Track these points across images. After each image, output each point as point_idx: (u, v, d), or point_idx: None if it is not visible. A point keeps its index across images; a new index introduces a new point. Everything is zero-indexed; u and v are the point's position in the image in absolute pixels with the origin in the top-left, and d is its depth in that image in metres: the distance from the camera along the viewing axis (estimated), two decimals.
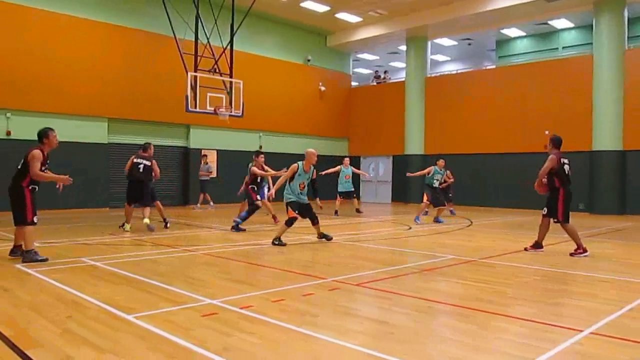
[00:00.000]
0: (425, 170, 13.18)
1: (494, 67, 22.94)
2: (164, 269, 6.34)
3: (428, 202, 12.91)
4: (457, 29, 21.04)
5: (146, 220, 10.26)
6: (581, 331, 3.80)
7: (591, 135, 16.98)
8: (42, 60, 14.88)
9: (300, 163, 8.58)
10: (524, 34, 23.08)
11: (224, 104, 14.94)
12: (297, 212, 8.53)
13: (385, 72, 25.20)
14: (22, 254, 6.74)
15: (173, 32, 14.50)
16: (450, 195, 15.33)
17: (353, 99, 24.38)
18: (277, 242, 8.36)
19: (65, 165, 13.40)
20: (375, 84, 24.82)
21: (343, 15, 20.36)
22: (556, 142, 7.85)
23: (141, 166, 10.36)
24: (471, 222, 13.42)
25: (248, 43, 19.36)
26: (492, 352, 3.37)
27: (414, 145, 21.59)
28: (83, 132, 15.73)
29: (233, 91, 15.08)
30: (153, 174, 10.49)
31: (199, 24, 14.81)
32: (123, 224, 10.61)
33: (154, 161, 10.51)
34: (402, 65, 25.91)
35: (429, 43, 22.44)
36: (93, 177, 15.71)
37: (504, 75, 20.19)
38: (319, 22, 21.25)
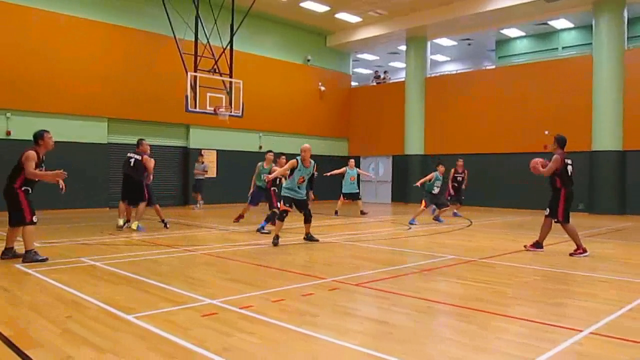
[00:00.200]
0: (428, 177, 13.06)
1: (494, 67, 22.95)
2: (164, 269, 6.34)
3: (424, 208, 12.82)
4: (457, 29, 21.04)
5: (134, 225, 10.22)
6: (581, 331, 3.80)
7: (591, 136, 16.99)
8: (42, 60, 14.88)
9: (298, 158, 8.59)
10: (523, 34, 23.09)
11: (223, 104, 14.94)
12: (288, 205, 8.52)
13: (385, 72, 25.20)
14: (13, 255, 6.74)
15: (173, 32, 14.50)
16: (462, 197, 15.16)
17: (353, 99, 24.38)
18: (275, 240, 8.38)
19: (65, 165, 13.22)
20: (375, 84, 24.82)
21: (343, 15, 20.36)
22: (561, 142, 7.78)
23: (132, 160, 10.35)
24: (471, 222, 13.42)
25: (248, 43, 19.37)
26: (492, 352, 3.37)
27: (414, 145, 21.59)
28: (83, 132, 15.73)
29: (233, 91, 15.08)
30: (146, 171, 10.35)
31: (199, 24, 14.81)
32: (123, 224, 10.62)
33: (144, 156, 10.35)
34: (402, 65, 25.92)
35: (429, 43, 22.44)
36: (93, 177, 15.71)
37: (504, 75, 20.20)
38: (319, 22, 21.25)
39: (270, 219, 10.36)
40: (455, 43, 24.67)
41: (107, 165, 16.22)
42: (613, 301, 4.82)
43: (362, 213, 15.09)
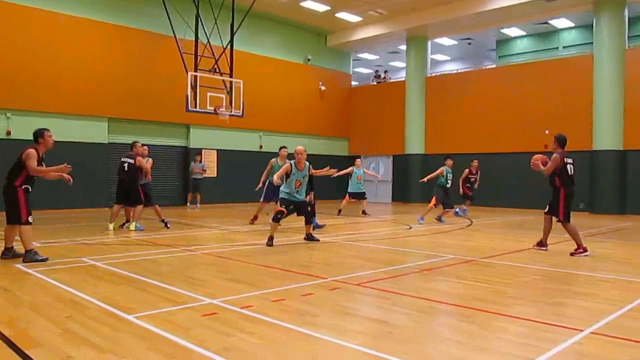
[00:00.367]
0: (437, 172, 13.05)
1: (494, 66, 22.93)
2: (164, 269, 6.34)
3: (434, 205, 12.81)
4: (457, 29, 21.04)
5: (132, 226, 10.18)
6: (581, 331, 3.79)
7: (591, 135, 16.98)
8: (42, 60, 14.88)
9: (292, 162, 8.51)
10: (524, 33, 23.08)
11: (224, 104, 14.94)
12: (284, 207, 8.46)
13: (385, 71, 25.19)
14: (14, 255, 6.74)
15: (173, 32, 14.50)
16: (473, 197, 14.98)
17: (353, 98, 24.38)
18: (269, 242, 8.29)
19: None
20: (375, 83, 24.82)
21: (343, 15, 20.36)
22: (561, 141, 7.78)
23: (125, 165, 10.33)
24: (471, 221, 13.41)
25: (248, 43, 19.36)
26: (492, 352, 3.37)
27: (414, 145, 21.59)
28: (83, 132, 15.73)
29: (233, 91, 15.09)
30: (142, 172, 10.31)
31: (199, 23, 14.82)
32: (123, 224, 10.62)
33: (138, 158, 10.31)
34: (402, 64, 25.92)
35: (429, 43, 22.43)
36: (93, 177, 15.71)
37: (504, 74, 20.19)
38: (319, 21, 21.25)
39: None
40: (455, 42, 24.67)
41: (107, 165, 16.21)
42: (613, 301, 4.81)
43: (364, 213, 15.09)
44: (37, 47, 14.78)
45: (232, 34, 15.57)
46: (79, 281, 5.44)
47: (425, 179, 13.72)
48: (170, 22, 14.48)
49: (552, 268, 6.63)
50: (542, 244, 8.12)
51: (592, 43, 17.85)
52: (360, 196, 15.23)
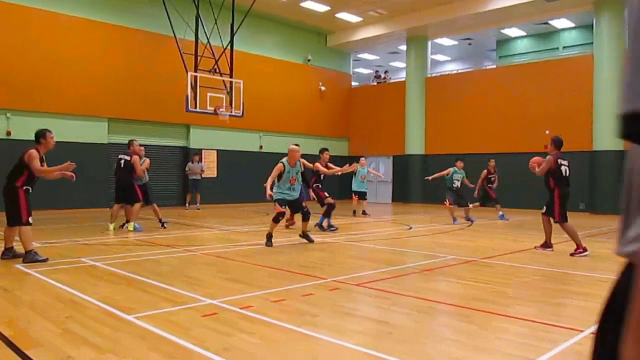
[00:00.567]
0: (444, 172, 13.05)
1: (494, 67, 22.93)
2: (164, 269, 6.34)
3: (451, 206, 12.82)
4: (457, 29, 21.03)
5: (130, 227, 10.14)
6: (581, 331, 3.79)
7: (591, 135, 16.97)
8: (42, 60, 14.88)
9: (284, 161, 8.50)
10: (524, 33, 23.07)
11: (224, 104, 14.94)
12: (284, 207, 8.49)
13: (385, 72, 25.19)
14: (14, 255, 6.74)
15: (173, 32, 14.50)
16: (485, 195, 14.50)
17: (353, 98, 24.38)
18: (267, 240, 8.31)
19: None
20: (375, 83, 24.82)
21: (343, 15, 20.36)
22: (557, 143, 7.84)
23: (122, 161, 10.34)
24: (472, 222, 13.41)
25: (248, 43, 19.36)
26: (492, 352, 3.37)
27: (415, 145, 21.59)
28: (83, 132, 15.73)
29: (233, 91, 15.08)
30: (135, 172, 10.31)
31: (199, 23, 14.81)
32: (123, 224, 10.62)
33: (134, 156, 10.31)
34: (402, 65, 25.91)
35: (429, 43, 22.43)
36: (93, 177, 15.68)
37: (504, 75, 20.18)
38: (319, 22, 21.25)
39: (327, 214, 10.68)
40: (455, 43, 24.67)
41: (107, 165, 16.18)
42: None
43: (364, 213, 15.09)
44: (37, 47, 14.78)
45: (232, 34, 15.57)
46: (79, 281, 5.44)
47: (430, 178, 13.66)
48: (170, 22, 14.48)
49: (552, 268, 6.63)
50: (547, 245, 8.16)
51: (592, 43, 17.85)
52: (363, 195, 15.25)
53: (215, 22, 15.28)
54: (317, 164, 10.91)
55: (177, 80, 15.73)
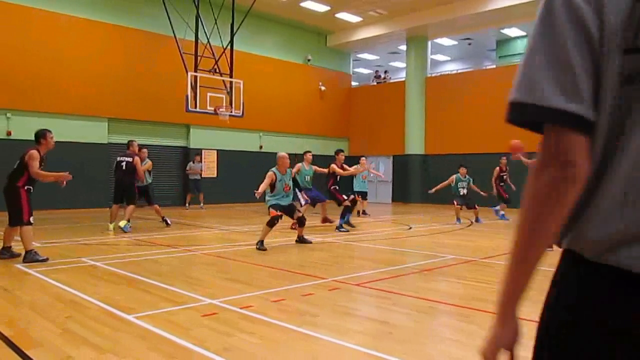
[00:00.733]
0: (447, 182, 12.99)
1: (494, 66, 22.93)
2: (164, 269, 6.34)
3: (457, 206, 12.80)
4: (457, 29, 21.03)
5: (121, 224, 10.04)
6: None
7: None
8: (42, 60, 14.88)
9: (275, 170, 8.33)
10: (524, 33, 23.06)
11: (224, 104, 14.94)
12: (279, 211, 8.33)
13: (385, 72, 25.19)
14: (11, 255, 6.74)
15: (173, 32, 14.50)
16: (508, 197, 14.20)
17: (353, 98, 24.38)
18: (259, 245, 7.97)
19: (65, 165, 13.30)
20: (375, 83, 24.81)
21: (343, 15, 20.36)
22: None
23: (123, 163, 10.34)
24: (472, 222, 13.41)
25: (248, 43, 19.36)
26: None
27: (414, 145, 21.58)
28: (83, 132, 15.73)
29: (233, 91, 15.09)
30: (137, 173, 10.30)
31: (199, 23, 14.81)
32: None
33: (135, 157, 10.31)
34: (402, 65, 25.91)
35: (429, 43, 22.42)
36: (93, 177, 15.70)
37: (504, 74, 20.14)
38: (319, 22, 21.25)
39: (344, 215, 10.76)
40: (455, 43, 24.67)
41: (107, 165, 16.17)
42: None
43: (364, 213, 15.10)
44: (37, 47, 14.77)
45: (232, 34, 15.57)
46: (79, 281, 5.44)
47: (433, 190, 13.22)
48: (170, 22, 14.47)
49: (552, 268, 6.60)
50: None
51: None
52: (364, 196, 15.27)
53: (215, 22, 15.28)
54: (333, 166, 10.92)
55: (177, 80, 15.72)
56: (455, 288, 5.44)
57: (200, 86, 14.28)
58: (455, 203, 12.88)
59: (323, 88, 22.77)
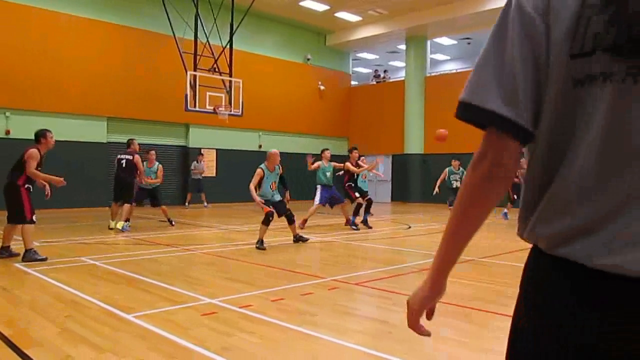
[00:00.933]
0: (442, 177, 12.97)
1: None
2: (163, 268, 6.34)
3: (450, 207, 12.77)
4: (456, 29, 21.03)
5: (119, 225, 10.02)
6: None
7: None
8: (42, 60, 14.86)
9: (263, 167, 8.25)
10: None
11: (223, 103, 14.94)
12: (271, 207, 8.21)
13: (385, 71, 25.18)
14: (10, 254, 6.74)
15: (172, 31, 14.49)
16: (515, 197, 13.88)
17: (353, 98, 24.37)
18: (259, 245, 7.93)
19: (65, 164, 13.42)
20: (374, 83, 24.81)
21: (342, 15, 20.35)
22: None
23: (123, 162, 10.32)
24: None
25: (247, 42, 19.35)
26: (492, 352, 3.37)
27: (414, 144, 21.59)
28: (82, 132, 15.72)
29: (232, 90, 15.08)
30: (137, 171, 10.27)
31: (199, 23, 14.81)
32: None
33: (136, 156, 10.29)
34: (401, 64, 25.90)
35: (429, 42, 22.43)
36: (92, 176, 15.69)
37: None
38: (319, 21, 21.24)
39: (356, 212, 10.89)
40: (455, 42, 24.67)
41: (107, 165, 16.19)
42: None
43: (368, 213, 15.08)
44: (37, 46, 14.76)
45: (232, 34, 15.56)
46: (78, 281, 5.43)
47: (435, 190, 13.10)
48: (170, 22, 14.47)
49: None
50: None
51: None
52: (365, 195, 15.24)
53: (215, 22, 15.28)
54: (348, 164, 10.97)
55: (176, 80, 15.71)
56: (455, 288, 5.44)
57: (199, 85, 14.28)
58: (448, 204, 12.77)
59: (322, 87, 22.77)
